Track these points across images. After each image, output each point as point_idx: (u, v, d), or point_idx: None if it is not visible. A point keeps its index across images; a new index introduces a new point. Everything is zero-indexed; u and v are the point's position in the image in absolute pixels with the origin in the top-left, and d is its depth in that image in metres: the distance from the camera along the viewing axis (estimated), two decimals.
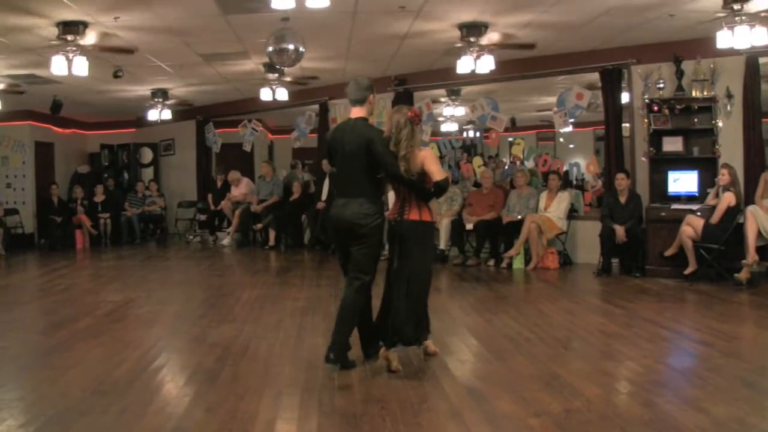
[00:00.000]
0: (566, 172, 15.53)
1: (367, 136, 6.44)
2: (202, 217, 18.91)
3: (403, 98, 15.05)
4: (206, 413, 5.15)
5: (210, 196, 18.29)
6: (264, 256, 15.46)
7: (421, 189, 6.46)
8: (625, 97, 12.92)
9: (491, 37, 11.20)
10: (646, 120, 11.87)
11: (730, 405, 5.10)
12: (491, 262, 12.96)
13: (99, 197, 18.22)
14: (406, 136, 6.42)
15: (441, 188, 6.49)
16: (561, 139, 21.77)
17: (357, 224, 6.35)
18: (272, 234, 16.55)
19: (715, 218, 10.51)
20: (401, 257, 6.47)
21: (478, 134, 19.34)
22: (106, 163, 21.27)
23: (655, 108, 11.72)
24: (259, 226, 16.90)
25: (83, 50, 10.37)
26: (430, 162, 6.45)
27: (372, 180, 6.50)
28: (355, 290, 6.53)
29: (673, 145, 11.87)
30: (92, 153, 21.64)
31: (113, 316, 8.90)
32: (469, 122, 20.12)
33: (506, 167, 16.02)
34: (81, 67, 10.44)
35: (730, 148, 11.43)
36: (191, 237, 18.83)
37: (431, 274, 6.83)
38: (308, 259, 14.73)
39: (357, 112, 6.69)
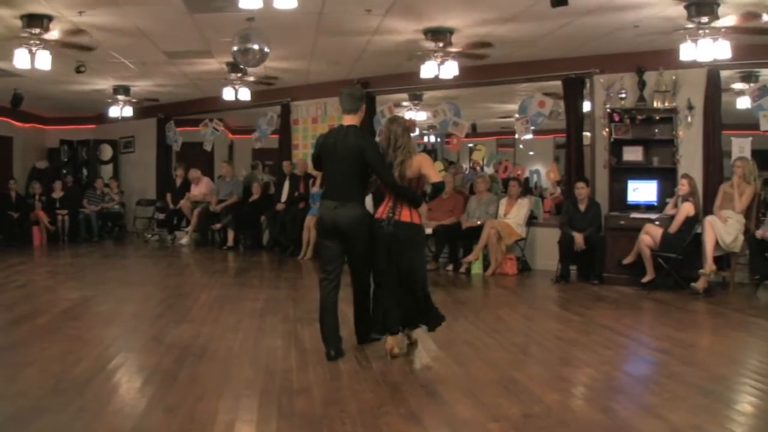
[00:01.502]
0: (526, 179, 15.61)
1: (360, 146, 6.83)
2: (161, 216, 18.72)
3: (366, 102, 15.02)
4: (165, 414, 5.11)
5: (169, 195, 18.13)
6: (222, 256, 15.38)
7: (412, 196, 6.97)
8: (586, 106, 13.01)
9: (456, 43, 11.23)
10: (607, 129, 11.97)
11: (688, 412, 5.15)
12: (450, 267, 12.98)
13: (57, 193, 17.95)
14: (404, 144, 6.96)
15: (438, 190, 7.12)
16: (521, 146, 21.89)
17: (351, 227, 6.79)
18: (231, 234, 16.47)
19: (674, 228, 10.62)
20: (395, 258, 6.89)
21: (438, 139, 19.41)
22: (65, 159, 21.08)
23: (617, 117, 11.83)
24: (218, 226, 16.80)
25: (46, 44, 10.28)
26: (427, 167, 6.99)
27: (363, 184, 6.99)
28: (334, 288, 6.94)
29: (633, 154, 11.99)
30: (51, 148, 21.38)
31: (71, 314, 8.80)
32: (430, 127, 20.17)
33: (466, 173, 16.07)
34: (44, 61, 10.34)
35: (690, 159, 11.57)
36: (149, 236, 18.67)
37: (425, 269, 7.46)
38: (267, 261, 14.69)
39: (350, 119, 7.07)
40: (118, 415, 5.10)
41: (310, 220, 14.50)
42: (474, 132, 20.52)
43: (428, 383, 5.98)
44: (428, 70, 11.52)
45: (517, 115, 14.34)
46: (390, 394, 5.68)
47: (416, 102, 17.25)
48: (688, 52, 9.76)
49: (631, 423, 4.98)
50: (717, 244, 10.39)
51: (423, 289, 7.11)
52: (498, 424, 4.97)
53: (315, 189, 14.92)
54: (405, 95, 16.54)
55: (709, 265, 10.30)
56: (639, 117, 11.78)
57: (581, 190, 11.86)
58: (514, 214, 12.84)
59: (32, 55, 10.23)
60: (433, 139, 20.74)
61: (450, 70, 11.46)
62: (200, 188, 17.46)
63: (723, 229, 10.41)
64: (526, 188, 15.08)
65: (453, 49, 11.29)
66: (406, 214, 6.93)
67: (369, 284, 7.13)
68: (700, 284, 10.23)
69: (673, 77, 11.61)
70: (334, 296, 6.93)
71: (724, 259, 10.76)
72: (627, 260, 11.12)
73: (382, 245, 6.92)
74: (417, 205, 7.06)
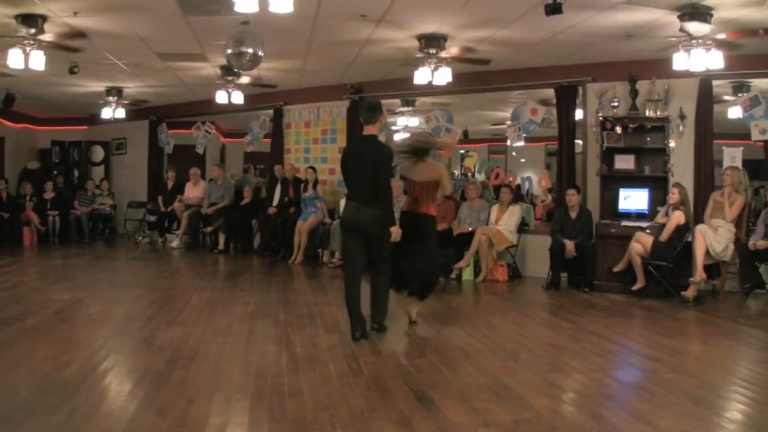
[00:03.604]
0: (518, 186, 15.64)
1: (377, 158, 7.71)
2: (152, 218, 18.71)
3: (359, 107, 15.05)
4: (156, 416, 5.10)
5: (161, 198, 18.10)
6: (213, 259, 15.35)
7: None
8: (578, 114, 13.04)
9: (449, 49, 11.26)
10: (599, 137, 12.00)
11: (678, 419, 5.17)
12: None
13: (48, 194, 17.92)
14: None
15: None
16: (513, 153, 21.88)
17: (371, 225, 7.69)
18: (222, 238, 16.46)
19: (664, 236, 10.66)
20: (422, 240, 8.47)
21: None
22: (57, 160, 21.02)
23: (609, 126, 11.85)
24: (209, 229, 16.79)
25: (40, 44, 10.26)
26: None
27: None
28: (356, 278, 7.89)
29: (625, 162, 12.01)
30: (43, 149, 21.33)
31: (61, 316, 8.78)
32: None
33: (458, 179, 16.09)
34: (38, 61, 10.33)
35: (681, 168, 11.62)
36: (140, 238, 18.67)
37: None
38: (258, 264, 14.67)
39: (368, 130, 8.02)
40: (109, 417, 5.09)
41: (300, 225, 14.52)
42: (466, 138, 20.49)
43: (419, 388, 5.97)
44: (422, 76, 11.53)
45: (509, 122, 14.36)
46: (381, 399, 5.68)
47: (409, 108, 17.27)
48: (680, 61, 9.81)
49: (621, 429, 4.99)
50: (707, 253, 10.44)
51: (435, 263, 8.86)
52: (488, 429, 4.97)
53: (306, 194, 14.95)
54: (398, 101, 16.54)
55: (699, 274, 10.33)
56: (631, 125, 11.82)
57: (572, 197, 11.88)
58: (506, 220, 12.85)
59: (26, 55, 10.22)
60: None
61: (443, 76, 11.47)
62: (196, 191, 17.42)
63: (713, 237, 10.45)
64: (518, 195, 15.08)
65: (446, 55, 11.29)
66: (425, 209, 8.55)
67: (387, 274, 8.02)
68: (690, 292, 10.27)
69: (666, 86, 11.67)
70: (357, 286, 7.82)
71: (714, 268, 10.81)
72: (618, 268, 11.15)
73: (407, 229, 8.22)
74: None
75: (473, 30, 10.57)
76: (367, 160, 7.72)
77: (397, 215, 8.29)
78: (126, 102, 16.91)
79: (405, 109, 17.38)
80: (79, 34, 10.56)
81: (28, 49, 10.19)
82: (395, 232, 7.94)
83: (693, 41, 9.49)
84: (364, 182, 7.74)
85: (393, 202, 8.02)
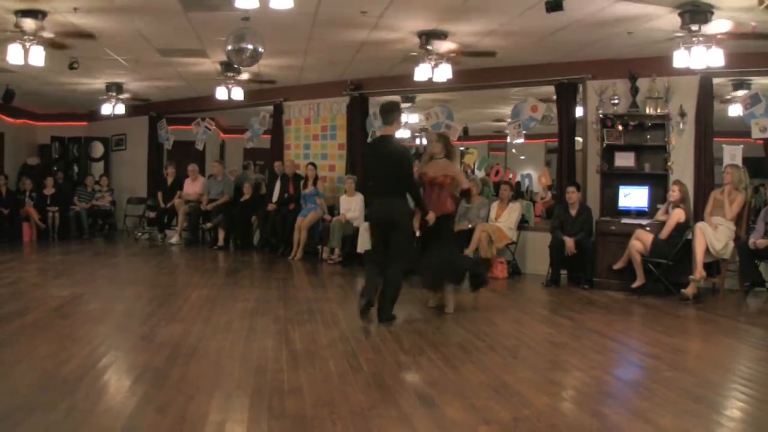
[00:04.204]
0: (518, 183, 15.62)
1: (399, 157, 8.55)
2: (151, 214, 18.68)
3: (359, 103, 15.09)
4: (156, 413, 5.09)
5: (160, 194, 18.06)
6: (213, 256, 15.33)
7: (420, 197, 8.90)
8: (579, 111, 13.02)
9: (450, 45, 11.24)
10: (599, 135, 11.99)
11: (678, 417, 5.17)
12: None
13: (48, 190, 17.89)
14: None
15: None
16: (513, 150, 21.87)
17: (400, 217, 8.43)
18: (221, 234, 16.44)
19: (664, 233, 10.66)
20: (446, 234, 9.15)
21: None
22: (56, 156, 20.99)
23: (609, 123, 11.85)
24: (209, 225, 16.77)
25: (40, 40, 10.24)
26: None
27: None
28: (378, 264, 8.53)
29: (625, 160, 12.01)
30: (42, 145, 21.27)
31: (61, 312, 8.77)
32: (423, 130, 20.16)
33: None
34: (37, 56, 10.30)
35: (682, 166, 11.61)
36: (140, 234, 18.65)
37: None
38: (257, 261, 14.65)
39: (388, 129, 8.81)
40: (108, 414, 5.08)
41: (300, 221, 14.51)
42: (466, 135, 20.47)
43: (419, 385, 5.98)
44: (422, 72, 11.52)
45: (509, 119, 14.35)
46: (381, 396, 5.68)
47: (409, 104, 17.25)
48: (681, 59, 9.78)
49: (621, 427, 5.00)
50: (707, 251, 10.44)
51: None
52: (488, 427, 4.97)
53: (306, 190, 14.93)
54: (397, 97, 16.50)
55: (699, 272, 10.33)
56: (631, 123, 11.81)
57: (572, 194, 11.88)
58: (505, 217, 12.84)
59: (26, 50, 10.19)
60: (425, 141, 20.64)
61: (443, 73, 11.46)
62: (195, 187, 17.39)
63: (713, 235, 10.45)
64: (518, 192, 15.07)
65: (445, 51, 11.28)
66: (447, 207, 9.14)
67: (400, 265, 8.47)
68: (689, 290, 10.28)
69: (666, 84, 11.66)
70: (377, 271, 8.46)
71: (713, 266, 10.80)
72: (617, 265, 11.16)
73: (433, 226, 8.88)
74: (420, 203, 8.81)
75: (474, 26, 10.55)
76: (387, 159, 8.45)
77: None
78: (126, 98, 16.89)
79: (405, 105, 17.35)
80: (78, 29, 10.55)
81: (27, 44, 10.16)
82: (431, 218, 8.75)
83: (693, 39, 9.47)
84: (385, 179, 8.47)
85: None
